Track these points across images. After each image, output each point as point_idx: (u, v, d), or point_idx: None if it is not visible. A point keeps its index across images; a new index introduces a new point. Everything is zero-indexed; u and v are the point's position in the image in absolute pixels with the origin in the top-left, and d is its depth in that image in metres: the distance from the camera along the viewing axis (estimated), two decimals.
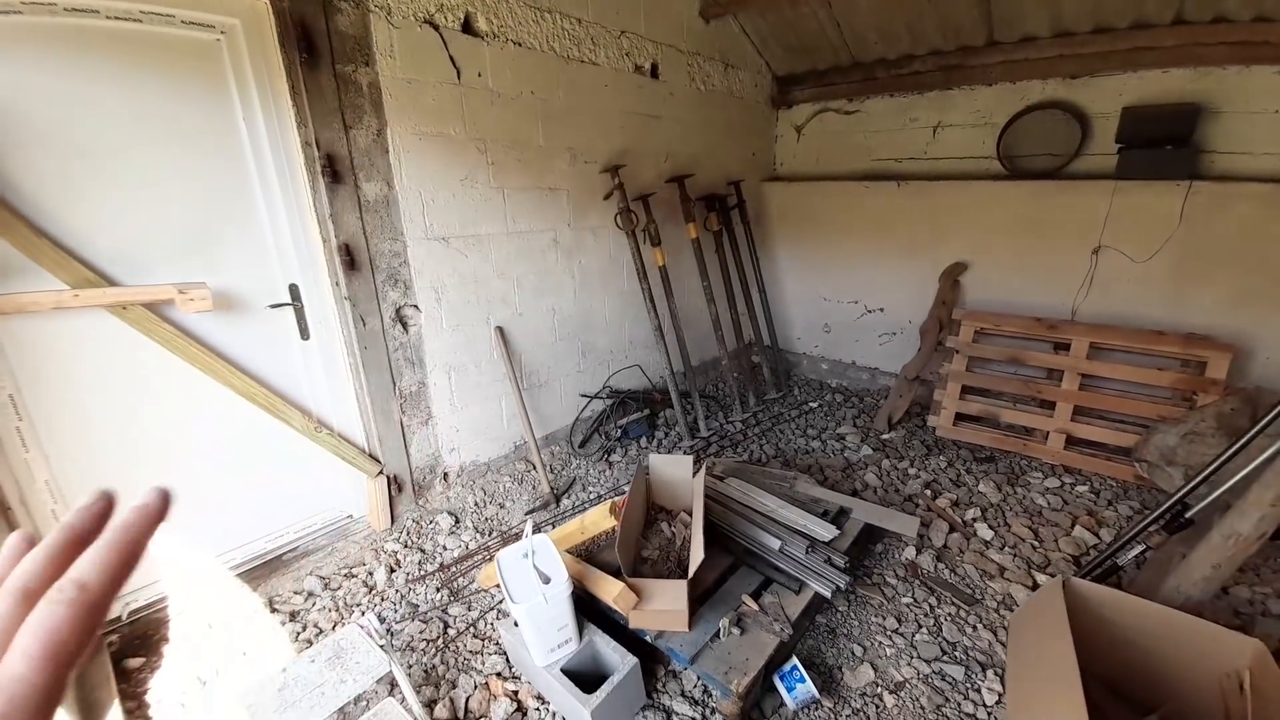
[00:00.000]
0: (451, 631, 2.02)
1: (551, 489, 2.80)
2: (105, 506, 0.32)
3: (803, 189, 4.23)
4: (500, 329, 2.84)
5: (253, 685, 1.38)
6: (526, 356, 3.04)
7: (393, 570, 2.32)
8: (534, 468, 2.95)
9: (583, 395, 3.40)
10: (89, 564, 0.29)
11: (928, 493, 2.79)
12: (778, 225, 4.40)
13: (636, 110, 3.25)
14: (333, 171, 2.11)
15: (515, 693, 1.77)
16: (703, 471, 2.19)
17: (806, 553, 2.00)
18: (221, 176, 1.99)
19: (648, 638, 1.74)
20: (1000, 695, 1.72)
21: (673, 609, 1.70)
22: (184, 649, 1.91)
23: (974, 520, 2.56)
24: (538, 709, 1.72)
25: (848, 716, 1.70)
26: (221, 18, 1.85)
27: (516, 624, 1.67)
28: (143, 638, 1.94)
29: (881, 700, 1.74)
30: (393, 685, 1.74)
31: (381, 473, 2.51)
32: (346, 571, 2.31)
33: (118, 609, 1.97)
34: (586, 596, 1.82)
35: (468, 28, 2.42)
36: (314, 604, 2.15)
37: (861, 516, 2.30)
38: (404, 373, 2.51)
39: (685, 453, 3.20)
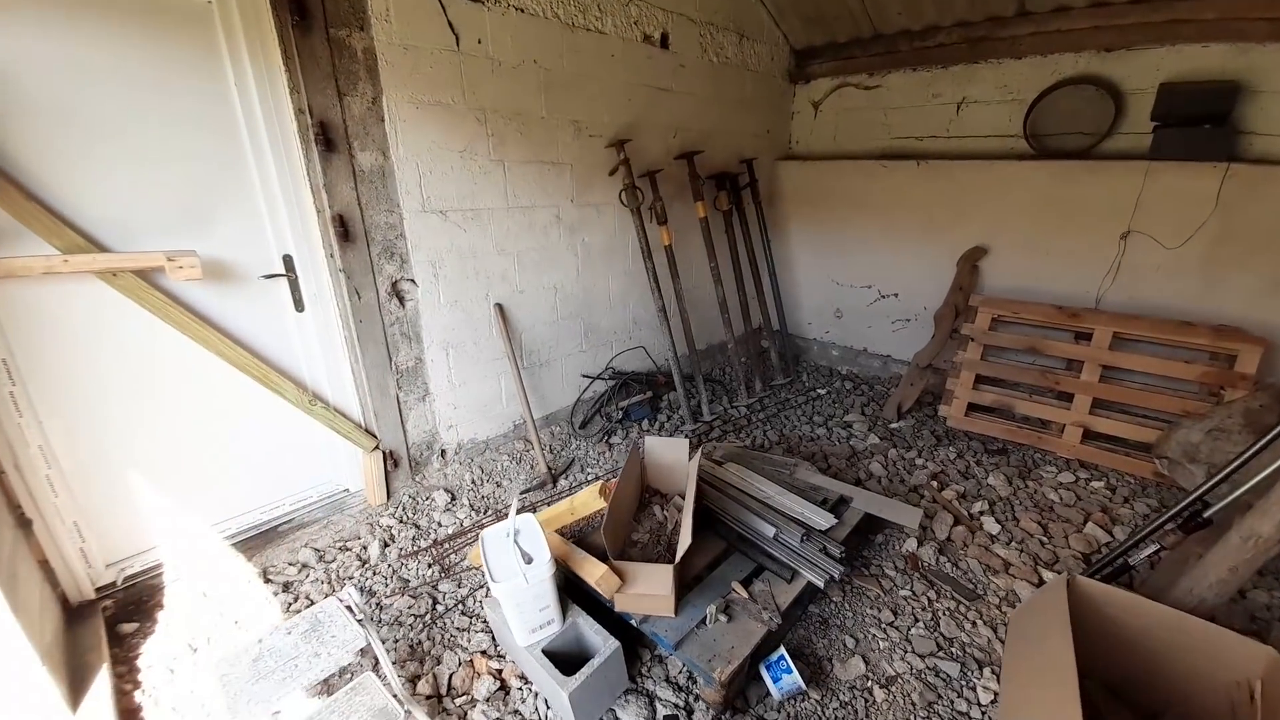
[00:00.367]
0: (440, 608, 2.01)
1: (549, 469, 2.77)
2: None
3: (818, 168, 4.09)
4: (500, 306, 2.79)
5: (229, 654, 1.37)
6: (527, 335, 2.99)
7: (386, 545, 2.32)
8: (532, 447, 2.92)
9: (584, 376, 3.36)
10: None
11: (934, 484, 2.71)
12: (791, 206, 4.27)
13: (645, 82, 3.15)
14: (326, 140, 2.06)
15: (499, 671, 1.76)
16: (698, 455, 2.13)
17: (801, 541, 1.95)
18: (214, 144, 1.96)
19: (633, 621, 1.71)
20: (997, 695, 1.67)
21: (658, 593, 1.67)
22: (177, 616, 1.93)
23: (981, 513, 2.48)
24: (520, 688, 1.71)
25: (835, 709, 1.65)
26: None
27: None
28: (137, 603, 1.97)
29: (871, 694, 1.69)
30: (377, 660, 1.74)
31: (378, 448, 2.50)
32: (341, 545, 2.32)
33: (113, 574, 2.00)
34: (574, 578, 1.80)
35: None
36: (308, 576, 2.16)
37: (862, 506, 2.23)
38: (400, 348, 2.49)
39: (687, 436, 3.15)
